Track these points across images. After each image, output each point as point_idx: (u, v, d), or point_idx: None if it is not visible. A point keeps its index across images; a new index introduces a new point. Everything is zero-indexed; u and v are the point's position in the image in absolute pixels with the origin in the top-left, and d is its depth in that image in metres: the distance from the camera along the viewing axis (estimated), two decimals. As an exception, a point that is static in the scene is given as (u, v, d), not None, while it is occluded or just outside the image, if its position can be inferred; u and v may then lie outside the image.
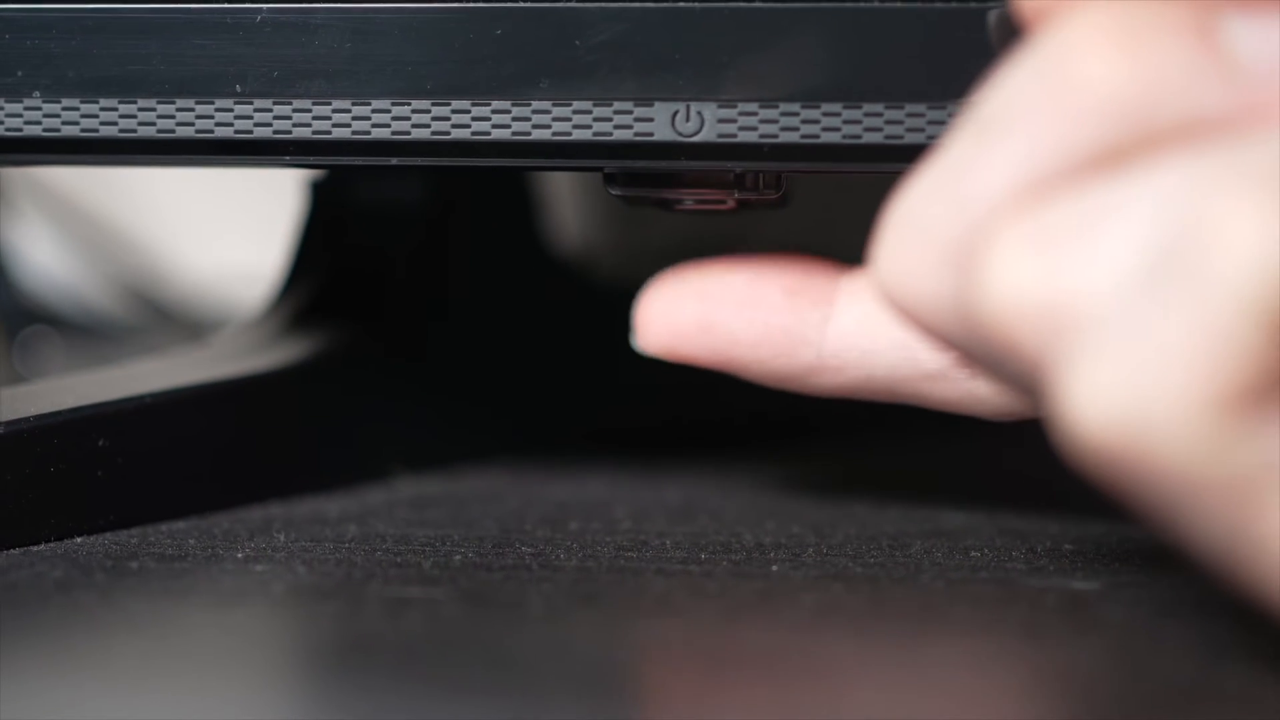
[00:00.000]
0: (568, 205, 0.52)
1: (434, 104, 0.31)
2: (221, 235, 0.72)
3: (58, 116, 0.32)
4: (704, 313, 0.32)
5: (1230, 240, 0.20)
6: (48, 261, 0.70)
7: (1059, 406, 0.22)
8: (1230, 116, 0.22)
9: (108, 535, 0.33)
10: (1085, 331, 0.21)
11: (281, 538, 0.33)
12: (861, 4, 0.29)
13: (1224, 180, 0.21)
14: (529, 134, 0.30)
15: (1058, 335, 0.22)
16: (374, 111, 0.31)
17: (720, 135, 0.30)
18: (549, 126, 0.30)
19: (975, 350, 0.24)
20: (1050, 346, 0.22)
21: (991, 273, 0.22)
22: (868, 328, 0.31)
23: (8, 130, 0.32)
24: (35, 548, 0.32)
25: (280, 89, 0.31)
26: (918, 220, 0.24)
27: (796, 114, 0.30)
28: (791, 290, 0.31)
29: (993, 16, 0.28)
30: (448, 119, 0.31)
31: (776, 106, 0.30)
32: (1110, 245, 0.21)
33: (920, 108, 0.29)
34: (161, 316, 0.68)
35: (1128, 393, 0.21)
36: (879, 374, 0.31)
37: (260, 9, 0.31)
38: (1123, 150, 0.22)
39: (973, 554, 0.32)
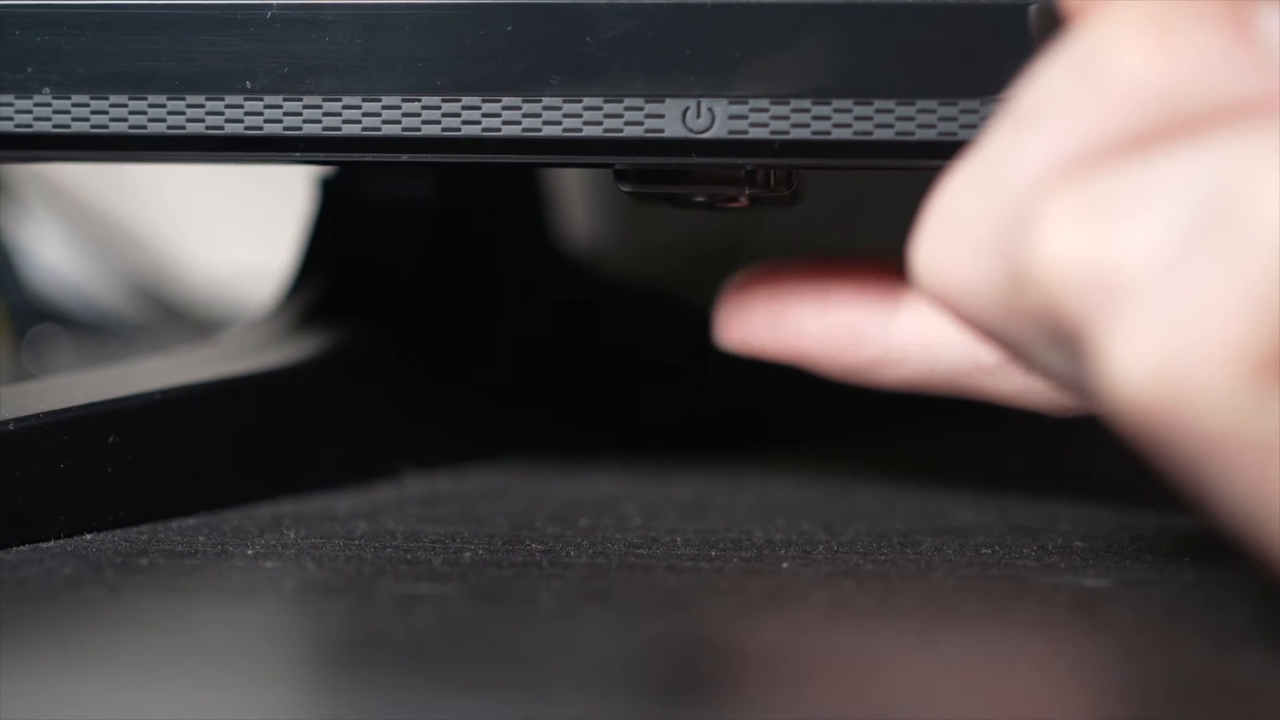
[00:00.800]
0: (578, 202, 0.52)
1: (444, 100, 0.31)
2: (231, 233, 0.72)
3: (67, 113, 0.32)
4: (775, 308, 0.33)
5: (1266, 211, 0.21)
6: (57, 260, 0.70)
7: (1100, 370, 0.22)
8: (1263, 105, 0.22)
9: (117, 532, 0.33)
10: (1130, 296, 0.22)
11: (291, 534, 0.33)
12: (872, 0, 0.29)
13: (1263, 154, 0.21)
14: (539, 130, 0.30)
15: (1104, 300, 0.22)
16: (384, 108, 0.31)
17: (731, 132, 0.30)
18: (559, 123, 0.30)
19: (1014, 338, 0.24)
20: (1096, 312, 0.22)
21: (1041, 241, 0.23)
22: (931, 324, 0.32)
23: (17, 127, 0.32)
24: (45, 544, 0.32)
25: (290, 85, 0.31)
26: (958, 211, 0.24)
27: (807, 110, 0.30)
28: (859, 288, 0.32)
29: (1034, 10, 0.28)
30: (458, 115, 0.31)
31: (787, 103, 0.30)
32: (1155, 214, 0.22)
33: (931, 104, 0.29)
34: (170, 315, 0.68)
35: (1166, 355, 0.21)
36: (941, 368, 0.32)
37: (270, 5, 0.31)
38: (1158, 136, 0.22)
39: (983, 551, 0.32)
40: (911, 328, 0.32)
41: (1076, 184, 0.23)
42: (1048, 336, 0.23)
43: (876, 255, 0.33)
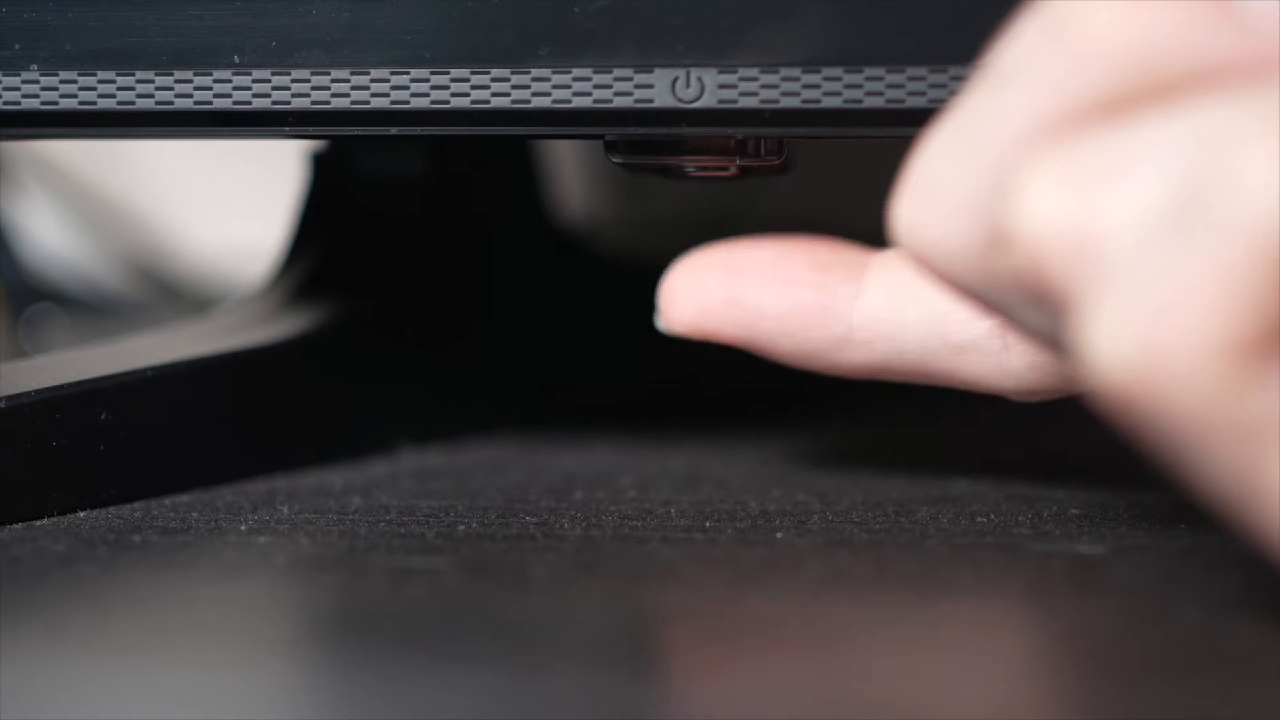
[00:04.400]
0: (572, 176, 0.52)
1: (433, 73, 0.30)
2: (228, 211, 0.72)
3: (55, 89, 0.31)
4: (732, 287, 0.31)
5: (1247, 188, 0.20)
6: (53, 239, 0.70)
7: (1080, 349, 0.22)
8: (1238, 68, 0.22)
9: (110, 509, 0.33)
10: (1112, 265, 0.21)
11: (285, 510, 0.33)
12: (861, -33, 0.29)
13: (1245, 127, 0.21)
14: (529, 102, 0.30)
15: (1086, 265, 0.22)
16: (373, 81, 0.31)
17: (721, 101, 0.30)
18: (549, 94, 0.30)
19: (995, 298, 0.24)
20: (1078, 278, 0.22)
21: (1022, 204, 0.22)
22: (898, 302, 0.31)
23: (6, 104, 0.32)
24: (38, 522, 0.32)
25: (279, 59, 0.31)
26: (937, 172, 0.24)
27: (797, 79, 0.29)
28: (820, 266, 0.31)
29: None
30: (447, 88, 0.30)
31: (777, 71, 0.30)
32: (1140, 182, 0.22)
33: (921, 71, 0.29)
34: (168, 293, 0.68)
35: (1145, 335, 0.21)
36: (909, 348, 0.31)
37: (257, -22, 0.31)
38: (1134, 98, 0.22)
39: (979, 519, 0.32)
40: (878, 305, 0.31)
41: (1058, 147, 0.22)
42: (1029, 298, 0.23)
43: (834, 236, 0.32)
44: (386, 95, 0.31)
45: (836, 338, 0.31)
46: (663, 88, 0.30)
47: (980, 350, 0.31)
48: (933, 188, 0.24)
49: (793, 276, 0.31)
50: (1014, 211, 0.23)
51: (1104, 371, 0.21)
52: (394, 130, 0.31)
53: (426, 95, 0.31)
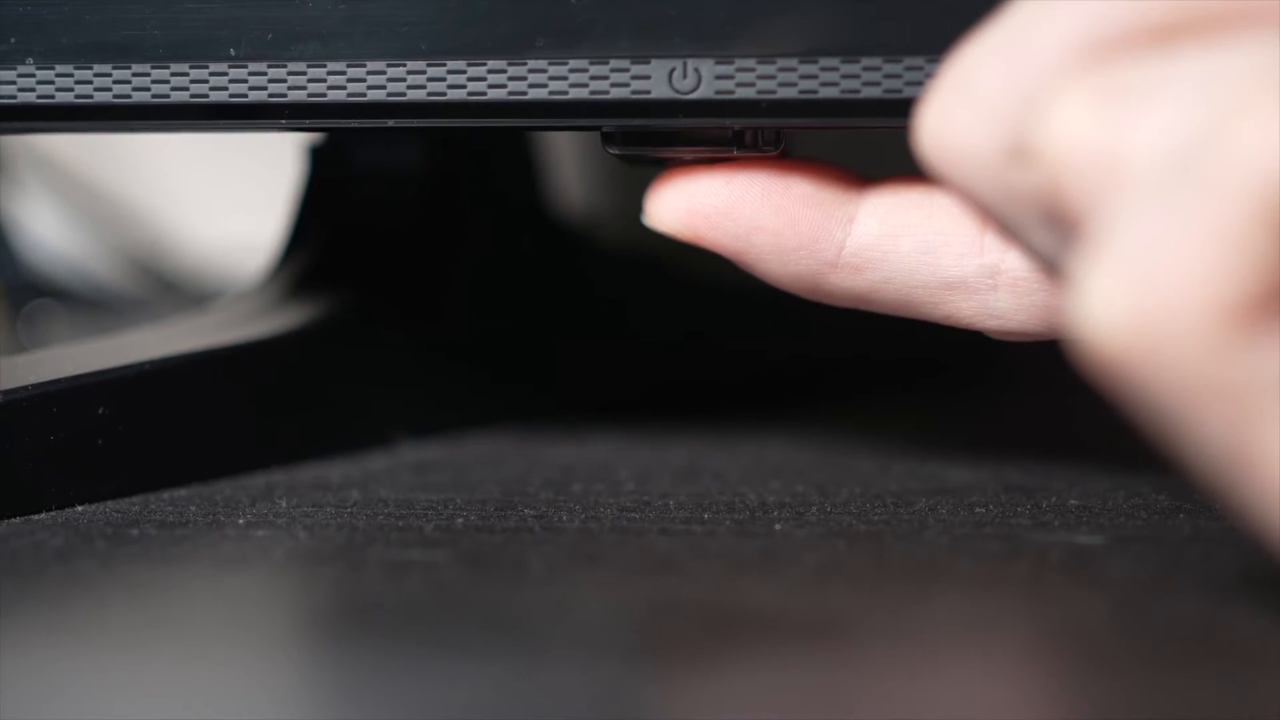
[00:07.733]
0: (570, 168, 0.52)
1: (429, 65, 0.30)
2: (226, 205, 0.72)
3: (51, 83, 0.31)
4: (729, 196, 0.31)
5: (1250, 139, 0.20)
6: (52, 235, 0.70)
7: (1072, 307, 0.22)
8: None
9: (109, 503, 0.33)
10: (1129, 195, 0.21)
11: (283, 503, 0.33)
12: (858, -43, 0.29)
13: (1255, 80, 0.21)
14: (525, 94, 0.30)
15: (1105, 190, 0.22)
16: (369, 73, 0.31)
17: (718, 92, 0.30)
18: (545, 86, 0.30)
19: (1007, 210, 0.24)
20: (1094, 201, 0.22)
21: (1053, 119, 0.23)
22: (892, 231, 0.30)
23: (2, 98, 0.32)
24: (36, 516, 0.32)
25: (275, 52, 0.31)
26: (974, 75, 0.24)
27: (794, 69, 0.29)
28: (819, 186, 0.31)
29: None
30: (443, 80, 0.30)
31: (774, 62, 0.29)
32: (1165, 116, 0.22)
33: (919, 61, 0.29)
34: (167, 289, 0.68)
35: (1140, 292, 0.21)
36: (897, 278, 0.30)
37: (253, -29, 0.31)
38: (1187, 29, 0.22)
39: (977, 510, 0.32)
40: (872, 229, 0.30)
41: (1098, 68, 0.22)
42: (1041, 216, 0.23)
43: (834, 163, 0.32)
44: (383, 88, 0.31)
45: (825, 262, 0.30)
46: (659, 79, 0.30)
47: (969, 287, 0.30)
48: (966, 92, 0.24)
49: (792, 194, 0.31)
50: (1043, 126, 0.23)
51: (1095, 334, 0.21)
52: (391, 123, 0.31)
53: (423, 87, 0.30)
